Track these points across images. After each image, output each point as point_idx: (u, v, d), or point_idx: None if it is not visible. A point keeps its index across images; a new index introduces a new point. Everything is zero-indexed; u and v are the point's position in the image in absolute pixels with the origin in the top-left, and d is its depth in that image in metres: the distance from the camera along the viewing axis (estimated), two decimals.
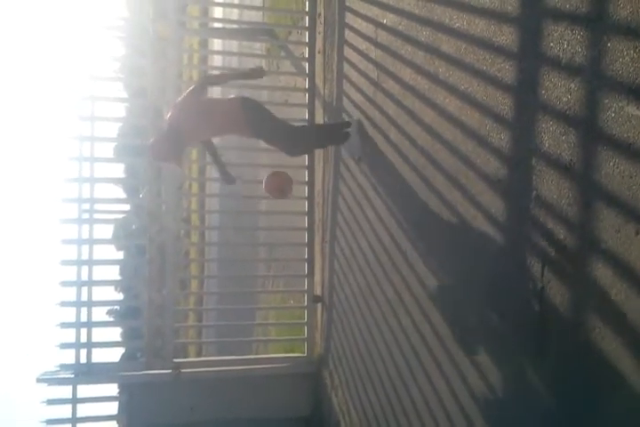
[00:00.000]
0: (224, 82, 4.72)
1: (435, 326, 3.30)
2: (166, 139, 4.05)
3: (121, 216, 7.32)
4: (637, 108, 1.90)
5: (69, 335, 5.01)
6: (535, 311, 2.38)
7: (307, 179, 5.59)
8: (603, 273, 2.03)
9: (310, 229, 5.62)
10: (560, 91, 2.26)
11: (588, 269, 2.10)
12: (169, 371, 5.13)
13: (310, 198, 5.60)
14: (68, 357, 5.07)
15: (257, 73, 4.40)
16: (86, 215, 5.13)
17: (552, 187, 2.30)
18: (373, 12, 4.28)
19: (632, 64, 1.92)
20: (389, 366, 3.96)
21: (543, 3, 2.38)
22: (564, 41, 2.26)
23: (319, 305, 5.57)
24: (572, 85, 2.20)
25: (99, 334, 5.17)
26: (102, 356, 5.39)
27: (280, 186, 4.37)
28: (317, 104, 5.54)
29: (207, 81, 4.45)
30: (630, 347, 1.92)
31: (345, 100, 4.91)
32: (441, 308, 3.24)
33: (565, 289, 2.23)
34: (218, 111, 4.16)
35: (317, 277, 5.56)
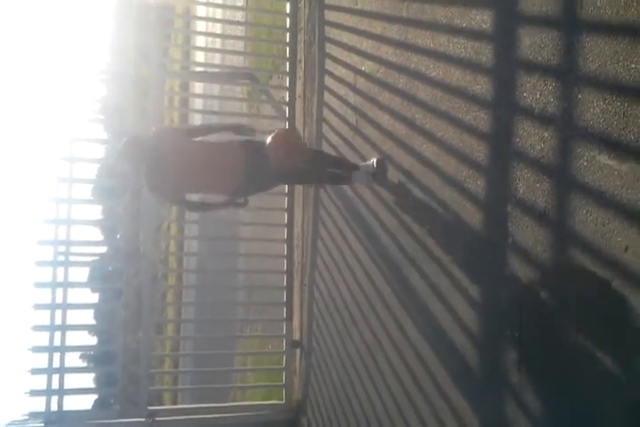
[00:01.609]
0: (211, 133, 4.25)
1: (413, 371, 3.27)
2: (140, 143, 3.72)
3: (96, 258, 7.24)
4: (609, 157, 1.94)
5: (40, 381, 4.86)
6: (513, 359, 2.37)
7: (286, 221, 5.58)
8: (579, 320, 2.03)
9: (289, 273, 5.58)
10: (534, 139, 2.31)
11: (565, 316, 2.11)
12: (143, 419, 4.97)
13: (289, 241, 5.58)
14: (38, 404, 4.90)
15: (246, 130, 4.08)
16: (62, 257, 5.05)
17: (527, 233, 2.32)
18: (352, 59, 4.37)
19: (602, 115, 1.97)
20: (368, 412, 3.89)
21: (516, 54, 2.45)
22: (536, 91, 2.32)
23: (298, 350, 5.49)
24: (546, 134, 2.25)
25: (71, 380, 5.03)
26: (74, 403, 5.23)
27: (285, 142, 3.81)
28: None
29: (195, 132, 4.08)
30: (610, 393, 1.91)
31: (324, 144, 4.95)
32: (419, 353, 3.21)
33: (543, 336, 2.23)
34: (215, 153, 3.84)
35: (296, 322, 5.50)
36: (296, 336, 5.48)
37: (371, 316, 3.90)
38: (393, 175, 3.63)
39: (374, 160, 3.83)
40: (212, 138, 4.06)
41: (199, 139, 3.93)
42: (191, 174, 3.72)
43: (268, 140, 3.79)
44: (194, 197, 4.32)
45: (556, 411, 2.14)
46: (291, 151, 3.76)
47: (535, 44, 2.33)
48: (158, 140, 3.75)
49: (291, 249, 5.58)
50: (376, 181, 3.84)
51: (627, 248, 1.86)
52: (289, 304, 5.54)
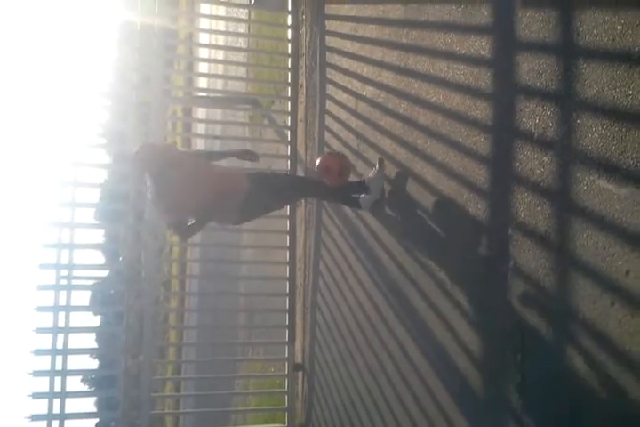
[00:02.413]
0: (221, 158, 4.29)
1: (415, 393, 3.26)
2: (153, 149, 3.72)
3: (98, 281, 7.24)
4: (608, 181, 1.96)
5: (42, 406, 4.84)
6: (516, 382, 2.36)
7: (288, 244, 5.60)
8: (581, 344, 2.04)
9: (292, 295, 5.58)
10: (533, 164, 2.34)
11: (566, 340, 2.11)
12: None
13: (292, 263, 5.58)
14: None
15: (250, 156, 4.12)
16: (64, 281, 5.06)
17: (529, 256, 2.33)
18: (353, 84, 4.43)
19: (600, 140, 2.00)
20: None
21: (515, 80, 2.49)
22: (535, 116, 2.35)
23: (300, 373, 5.47)
24: (545, 159, 2.28)
25: (72, 404, 5.00)
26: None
27: (336, 167, 3.87)
28: (299, 171, 5.63)
29: (207, 157, 4.09)
30: (612, 417, 1.91)
31: None
32: (421, 374, 3.20)
33: (545, 360, 2.23)
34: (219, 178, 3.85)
35: (298, 345, 5.48)
36: (298, 359, 5.47)
37: (373, 338, 3.89)
38: (397, 195, 3.66)
39: (375, 167, 3.86)
40: (222, 164, 4.10)
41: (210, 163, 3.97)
42: (194, 196, 3.67)
43: (318, 161, 3.92)
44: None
45: None
46: (343, 173, 3.87)
47: (533, 69, 2.37)
48: (172, 154, 3.75)
49: (293, 271, 5.58)
50: (381, 202, 3.85)
51: (627, 272, 1.87)
52: (291, 327, 5.53)
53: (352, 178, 3.97)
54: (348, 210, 4.42)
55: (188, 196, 3.66)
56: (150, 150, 3.67)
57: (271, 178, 4.13)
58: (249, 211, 3.89)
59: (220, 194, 3.73)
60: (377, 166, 3.84)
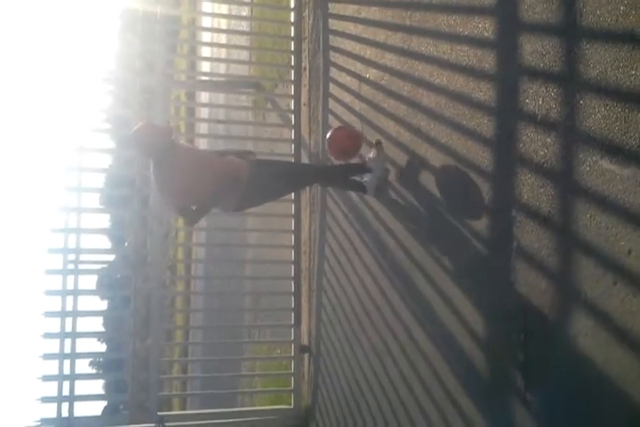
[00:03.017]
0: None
1: (421, 375, 3.30)
2: (153, 128, 3.69)
3: (105, 266, 7.29)
4: (610, 162, 1.97)
5: (51, 388, 4.91)
6: (519, 361, 2.40)
7: (293, 227, 5.62)
8: (584, 323, 2.06)
9: (297, 278, 5.62)
10: (537, 145, 2.35)
11: (569, 319, 2.14)
12: (153, 425, 5.01)
13: (297, 247, 5.62)
14: (50, 411, 4.95)
15: (250, 155, 4.12)
16: (71, 266, 5.10)
17: (532, 237, 2.35)
18: (357, 67, 4.42)
19: (603, 121, 2.01)
20: (378, 418, 3.91)
21: (518, 61, 2.49)
22: (539, 97, 2.35)
23: (306, 355, 5.52)
24: (548, 140, 2.29)
25: (81, 387, 5.07)
26: (84, 409, 5.26)
27: (344, 146, 3.87)
28: (303, 155, 5.64)
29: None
30: (613, 395, 1.94)
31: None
32: (426, 357, 3.24)
33: (548, 339, 2.26)
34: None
35: (304, 327, 5.53)
36: (304, 341, 5.52)
37: (378, 320, 3.93)
38: (400, 179, 3.67)
39: (372, 151, 3.86)
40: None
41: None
42: (197, 182, 3.67)
43: (329, 134, 3.90)
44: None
45: (562, 413, 2.17)
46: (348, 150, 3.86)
47: (537, 51, 2.37)
48: (172, 138, 3.72)
49: (298, 255, 5.62)
50: (382, 190, 3.87)
51: (630, 251, 1.89)
52: (297, 310, 5.58)
53: (353, 160, 3.97)
54: (352, 194, 4.43)
55: (192, 182, 3.64)
56: (150, 131, 3.63)
57: (273, 165, 4.11)
58: (251, 197, 3.90)
59: (222, 181, 3.72)
60: (374, 148, 3.85)
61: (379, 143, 3.84)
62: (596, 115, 2.05)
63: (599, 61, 2.05)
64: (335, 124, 4.86)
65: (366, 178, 3.91)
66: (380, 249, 3.97)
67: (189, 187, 3.66)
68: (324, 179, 4.27)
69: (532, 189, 2.37)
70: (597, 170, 2.03)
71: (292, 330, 5.59)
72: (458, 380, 2.92)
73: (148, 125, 3.69)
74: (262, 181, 3.83)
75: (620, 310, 1.92)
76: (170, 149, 3.64)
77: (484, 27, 2.76)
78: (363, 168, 3.91)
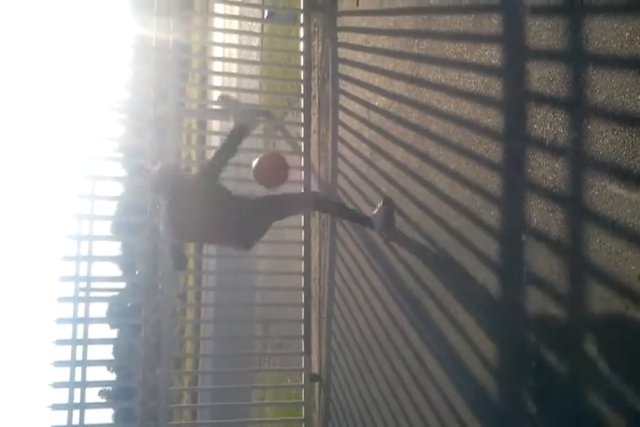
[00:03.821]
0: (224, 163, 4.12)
1: (432, 402, 3.25)
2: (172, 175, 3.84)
3: (116, 294, 7.29)
4: (619, 186, 1.97)
5: (61, 417, 4.88)
6: (530, 387, 2.36)
7: (303, 254, 5.62)
8: (596, 349, 2.04)
9: (307, 305, 5.59)
10: (545, 170, 2.35)
11: (581, 345, 2.11)
12: None
13: (307, 274, 5.60)
14: None
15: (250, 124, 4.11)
16: (82, 293, 5.11)
17: (542, 262, 2.34)
18: (365, 94, 4.47)
19: (611, 145, 2.02)
20: None
21: (525, 87, 2.51)
22: (546, 123, 2.37)
23: (317, 384, 5.47)
24: (557, 165, 2.29)
25: (91, 417, 5.03)
26: None
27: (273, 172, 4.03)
28: (313, 181, 5.67)
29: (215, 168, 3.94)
30: (625, 420, 1.91)
31: (339, 178, 5.03)
32: (437, 384, 3.20)
33: (560, 365, 2.23)
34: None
35: (315, 355, 5.49)
36: (315, 370, 5.47)
37: (389, 348, 3.89)
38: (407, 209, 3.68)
39: (380, 204, 3.92)
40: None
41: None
42: (198, 225, 3.82)
43: (253, 164, 4.00)
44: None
45: None
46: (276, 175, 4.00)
47: (543, 77, 2.39)
48: (184, 183, 3.83)
49: (308, 282, 5.60)
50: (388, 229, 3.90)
51: None
52: (307, 338, 5.53)
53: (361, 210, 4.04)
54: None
55: (189, 226, 3.82)
56: (166, 176, 3.79)
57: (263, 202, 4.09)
58: (248, 230, 3.95)
59: (215, 223, 3.82)
60: (381, 204, 3.92)
61: (388, 201, 3.89)
62: (604, 140, 2.06)
63: (605, 87, 2.06)
64: (344, 151, 4.90)
65: (374, 212, 3.95)
66: (389, 275, 3.95)
67: (185, 230, 3.86)
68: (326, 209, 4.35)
69: (542, 214, 2.37)
70: (606, 194, 2.03)
71: (303, 358, 5.54)
72: (469, 406, 2.88)
73: (165, 170, 3.85)
74: (254, 216, 3.92)
75: (632, 336, 1.90)
76: (179, 195, 3.75)
77: (491, 54, 2.80)
78: (364, 219, 4.02)
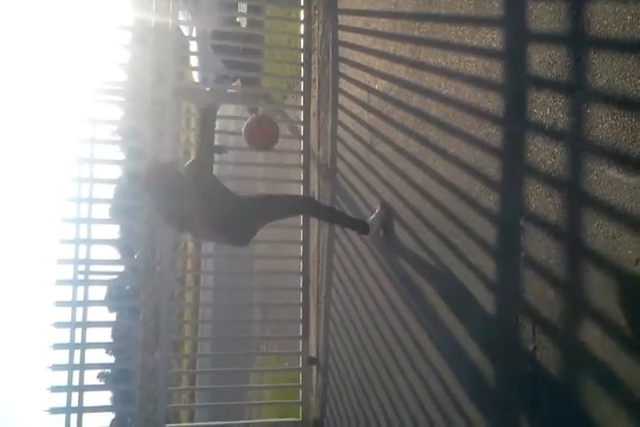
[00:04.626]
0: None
1: (430, 387, 3.27)
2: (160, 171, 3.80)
3: (115, 277, 7.30)
4: (618, 171, 1.97)
5: (60, 399, 4.92)
6: (527, 372, 2.38)
7: (301, 238, 5.63)
8: (592, 333, 2.05)
9: (305, 289, 5.61)
10: (544, 154, 2.35)
11: (578, 329, 2.12)
12: None
13: (305, 258, 5.62)
14: (58, 422, 4.95)
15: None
16: (81, 276, 5.12)
17: (540, 247, 2.34)
18: (366, 78, 4.44)
19: (611, 130, 2.01)
20: None
21: (526, 71, 2.50)
22: (546, 107, 2.36)
23: (314, 367, 5.50)
24: (556, 149, 2.29)
25: (89, 399, 5.07)
26: (93, 423, 5.26)
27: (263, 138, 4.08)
28: (312, 165, 5.66)
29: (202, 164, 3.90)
30: (621, 405, 1.92)
31: (339, 162, 5.02)
32: (435, 368, 3.22)
33: (557, 349, 2.25)
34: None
35: (312, 339, 5.51)
36: (312, 353, 5.50)
37: (387, 332, 3.91)
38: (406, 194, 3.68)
39: (377, 209, 3.96)
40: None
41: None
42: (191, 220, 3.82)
43: (243, 130, 3.97)
44: None
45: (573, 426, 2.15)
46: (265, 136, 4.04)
47: (544, 61, 2.38)
48: (172, 179, 3.78)
49: (306, 266, 5.61)
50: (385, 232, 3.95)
51: (637, 260, 1.88)
52: (305, 321, 5.56)
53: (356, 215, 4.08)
54: (360, 205, 4.44)
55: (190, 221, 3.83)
56: (155, 173, 3.76)
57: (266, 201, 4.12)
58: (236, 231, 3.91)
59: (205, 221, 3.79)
60: (379, 209, 3.96)
61: (384, 205, 3.93)
62: (603, 124, 2.05)
63: (606, 71, 2.05)
64: (344, 134, 4.88)
65: (372, 217, 4.00)
66: (387, 260, 3.96)
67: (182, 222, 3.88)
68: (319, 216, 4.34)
69: (540, 199, 2.36)
70: (604, 179, 2.03)
71: (300, 342, 5.57)
72: (467, 392, 2.90)
73: (153, 168, 3.81)
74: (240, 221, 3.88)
75: (629, 320, 1.91)
76: (168, 193, 3.74)
77: (492, 37, 2.77)
78: (360, 224, 4.02)
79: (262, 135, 4.09)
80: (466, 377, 2.91)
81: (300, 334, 5.58)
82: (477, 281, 2.81)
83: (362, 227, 4.01)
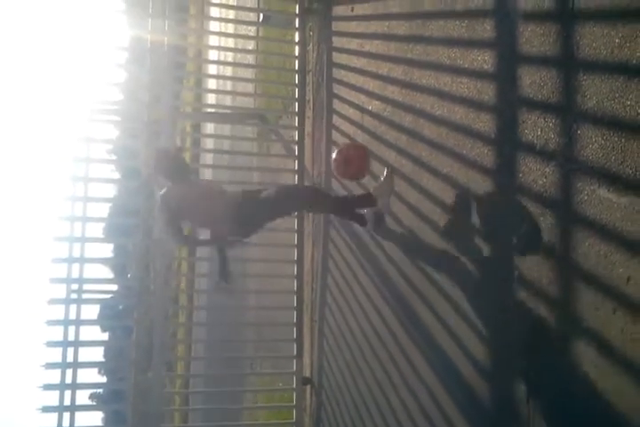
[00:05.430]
0: None
1: (423, 406, 3.26)
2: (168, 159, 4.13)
3: (108, 296, 7.27)
4: (608, 191, 2.00)
5: (51, 420, 4.86)
6: (521, 390, 2.38)
7: (296, 257, 5.62)
8: (584, 351, 2.06)
9: (299, 309, 5.59)
10: (536, 174, 2.37)
11: (571, 348, 2.13)
12: None
13: (299, 277, 5.61)
14: None
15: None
16: (74, 295, 5.09)
17: (533, 266, 2.36)
18: (360, 98, 4.49)
19: (600, 150, 2.04)
20: None
21: (517, 93, 2.54)
22: (537, 128, 2.39)
23: (308, 387, 5.47)
24: (547, 169, 2.32)
25: (81, 420, 5.01)
26: None
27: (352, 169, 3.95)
28: (306, 184, 5.67)
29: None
30: (616, 423, 1.93)
31: (333, 181, 5.04)
32: (429, 387, 3.21)
33: (550, 368, 2.25)
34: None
35: (306, 359, 5.49)
36: (306, 373, 5.47)
37: (381, 352, 3.90)
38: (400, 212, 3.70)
39: (382, 176, 3.88)
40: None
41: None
42: (193, 208, 4.01)
43: (334, 155, 4.01)
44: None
45: None
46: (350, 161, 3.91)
47: (535, 82, 2.42)
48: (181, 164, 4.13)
49: (301, 285, 5.60)
50: (380, 226, 3.94)
51: (629, 279, 1.90)
52: (299, 341, 5.54)
53: (357, 191, 4.01)
54: (355, 225, 4.45)
55: (191, 209, 4.03)
56: (163, 160, 4.09)
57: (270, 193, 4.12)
58: (249, 222, 4.04)
59: (213, 211, 4.00)
60: (384, 175, 3.88)
61: (389, 170, 3.85)
62: (593, 144, 2.08)
63: (595, 92, 2.09)
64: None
65: (367, 210, 3.95)
66: (381, 279, 3.97)
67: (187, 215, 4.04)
68: (326, 206, 4.30)
69: (532, 218, 2.38)
70: (595, 198, 2.05)
71: (294, 361, 5.54)
72: (459, 408, 2.89)
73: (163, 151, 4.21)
74: (257, 208, 4.01)
75: (619, 338, 1.92)
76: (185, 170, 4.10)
77: (484, 59, 2.82)
78: (368, 199, 3.93)
79: (358, 164, 3.97)
80: (458, 394, 2.91)
81: (294, 353, 5.55)
82: (470, 300, 2.82)
83: (361, 219, 4.04)
